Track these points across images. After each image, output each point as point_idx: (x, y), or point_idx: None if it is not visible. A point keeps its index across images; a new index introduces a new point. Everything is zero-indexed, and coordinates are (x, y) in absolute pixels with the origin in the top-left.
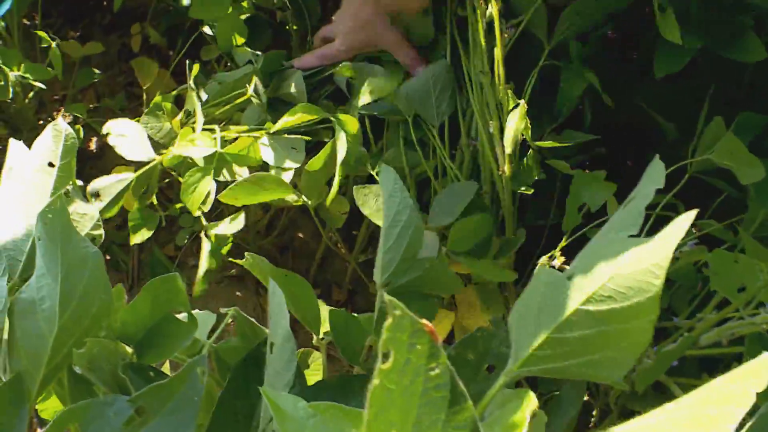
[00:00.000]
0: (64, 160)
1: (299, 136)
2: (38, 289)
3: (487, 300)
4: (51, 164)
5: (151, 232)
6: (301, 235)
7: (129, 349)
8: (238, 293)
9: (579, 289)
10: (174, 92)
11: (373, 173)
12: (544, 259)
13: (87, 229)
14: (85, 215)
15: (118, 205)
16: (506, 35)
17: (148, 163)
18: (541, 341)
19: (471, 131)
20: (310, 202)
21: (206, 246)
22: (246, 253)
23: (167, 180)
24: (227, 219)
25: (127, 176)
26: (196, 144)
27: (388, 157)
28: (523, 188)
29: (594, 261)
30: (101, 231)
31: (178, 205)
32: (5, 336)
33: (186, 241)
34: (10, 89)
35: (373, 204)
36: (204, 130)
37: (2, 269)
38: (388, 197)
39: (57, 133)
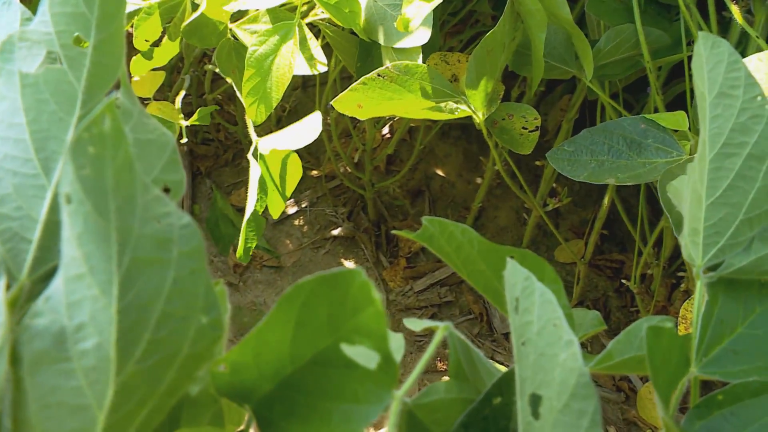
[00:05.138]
0: (103, 32)
1: None
2: (71, 309)
3: None
4: (78, 40)
5: None
6: (440, 172)
7: None
8: (347, 262)
9: None
10: None
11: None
12: None
13: (154, 173)
14: (149, 142)
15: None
16: None
17: None
18: None
19: None
20: (480, 114)
21: (254, 171)
22: (424, 218)
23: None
24: (293, 125)
25: (138, 1)
26: None
27: (609, 41)
28: None
29: None
30: (181, 174)
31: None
32: (6, 406)
33: None
34: None
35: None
36: None
37: None
38: (717, 96)
39: None
